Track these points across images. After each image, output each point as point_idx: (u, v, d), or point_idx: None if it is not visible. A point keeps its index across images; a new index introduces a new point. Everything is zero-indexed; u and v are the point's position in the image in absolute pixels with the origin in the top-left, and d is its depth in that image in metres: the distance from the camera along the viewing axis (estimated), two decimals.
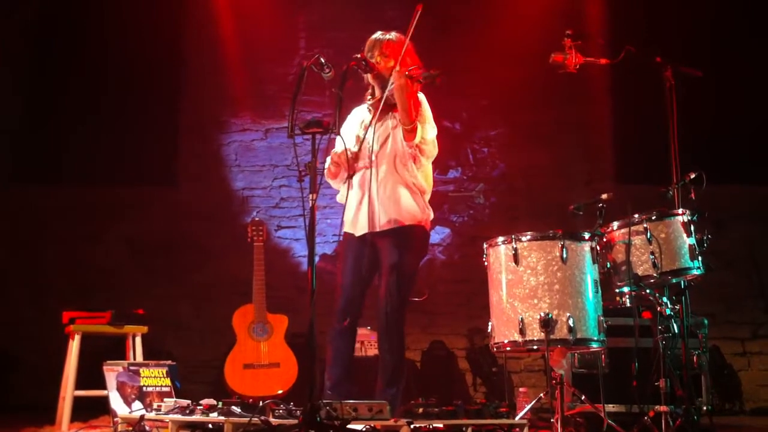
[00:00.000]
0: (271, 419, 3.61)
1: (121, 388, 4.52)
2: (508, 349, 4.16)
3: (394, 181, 4.30)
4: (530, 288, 4.06)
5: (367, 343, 5.98)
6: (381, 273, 4.30)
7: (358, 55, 4.23)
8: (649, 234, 4.21)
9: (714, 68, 5.45)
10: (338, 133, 3.82)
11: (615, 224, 4.37)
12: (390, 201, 4.28)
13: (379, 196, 4.28)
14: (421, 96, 4.39)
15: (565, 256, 4.05)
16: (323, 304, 4.25)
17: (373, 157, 4.31)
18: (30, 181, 7.49)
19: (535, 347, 4.09)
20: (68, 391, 5.07)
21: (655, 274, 4.19)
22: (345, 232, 4.41)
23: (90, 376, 5.05)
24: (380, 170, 4.29)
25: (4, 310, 7.03)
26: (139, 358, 5.36)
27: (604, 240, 4.37)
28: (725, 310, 7.16)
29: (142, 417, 3.98)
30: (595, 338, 4.07)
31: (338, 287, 4.37)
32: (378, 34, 4.44)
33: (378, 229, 4.28)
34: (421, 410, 3.87)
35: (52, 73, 7.71)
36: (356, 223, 4.35)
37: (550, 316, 3.96)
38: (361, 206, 4.32)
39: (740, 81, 7.32)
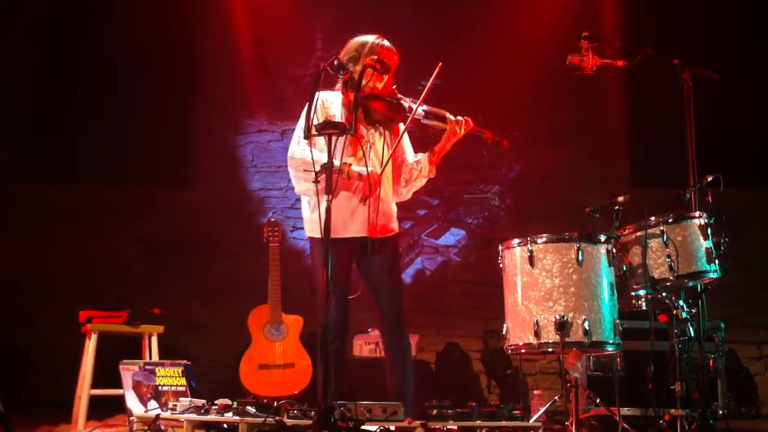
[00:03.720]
0: (286, 419, 3.62)
1: (137, 387, 4.55)
2: (523, 351, 4.17)
3: (389, 191, 4.29)
4: (545, 290, 4.05)
5: (381, 344, 5.96)
6: (378, 277, 4.25)
7: (374, 56, 4.20)
8: (665, 237, 4.20)
9: (731, 70, 5.41)
10: (354, 134, 3.81)
11: (631, 227, 4.36)
12: (387, 208, 4.26)
13: (379, 203, 4.23)
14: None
15: (580, 258, 4.05)
16: None
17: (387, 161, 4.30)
18: (42, 180, 7.50)
19: (550, 350, 4.08)
20: (84, 389, 5.10)
21: (671, 277, 4.18)
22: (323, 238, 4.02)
23: (105, 374, 5.08)
24: (383, 178, 4.25)
25: (19, 308, 7.05)
26: (155, 358, 5.39)
27: (620, 242, 4.36)
28: (742, 313, 7.10)
29: (157, 416, 4.00)
30: (611, 341, 4.06)
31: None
32: (388, 43, 4.29)
33: (376, 235, 4.18)
34: (435, 412, 3.86)
35: (65, 73, 7.69)
36: (349, 226, 4.17)
37: (565, 318, 3.96)
38: (357, 211, 4.17)
39: (758, 83, 7.27)
